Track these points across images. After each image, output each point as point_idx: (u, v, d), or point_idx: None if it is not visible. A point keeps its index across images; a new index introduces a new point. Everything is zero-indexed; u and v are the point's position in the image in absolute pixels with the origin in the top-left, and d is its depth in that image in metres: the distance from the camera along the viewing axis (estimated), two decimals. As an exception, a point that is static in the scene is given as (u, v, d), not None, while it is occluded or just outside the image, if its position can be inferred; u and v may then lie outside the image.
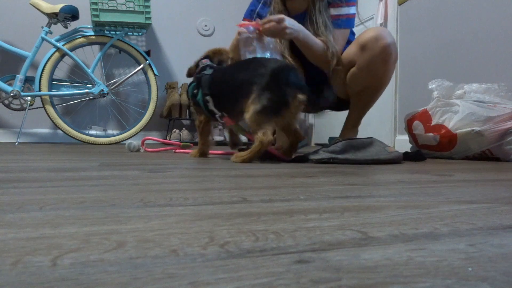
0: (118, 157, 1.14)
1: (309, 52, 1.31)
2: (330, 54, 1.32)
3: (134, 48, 2.51)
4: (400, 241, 0.26)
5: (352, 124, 1.52)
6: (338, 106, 1.60)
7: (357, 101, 1.46)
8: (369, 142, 1.06)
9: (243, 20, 1.46)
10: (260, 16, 1.41)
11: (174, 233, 0.27)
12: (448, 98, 1.40)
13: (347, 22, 1.39)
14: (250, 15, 1.44)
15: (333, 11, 1.35)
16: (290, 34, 1.19)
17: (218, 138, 2.86)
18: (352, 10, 1.37)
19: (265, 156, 1.07)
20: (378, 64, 1.30)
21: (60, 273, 0.19)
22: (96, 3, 2.37)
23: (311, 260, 0.21)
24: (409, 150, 1.49)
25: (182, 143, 1.52)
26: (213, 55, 1.26)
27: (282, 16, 1.17)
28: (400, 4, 2.27)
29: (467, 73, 1.81)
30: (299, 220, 0.31)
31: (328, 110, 1.65)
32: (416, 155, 1.22)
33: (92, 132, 2.69)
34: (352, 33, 1.47)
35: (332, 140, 1.44)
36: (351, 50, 1.36)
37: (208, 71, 1.16)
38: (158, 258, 0.21)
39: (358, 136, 1.26)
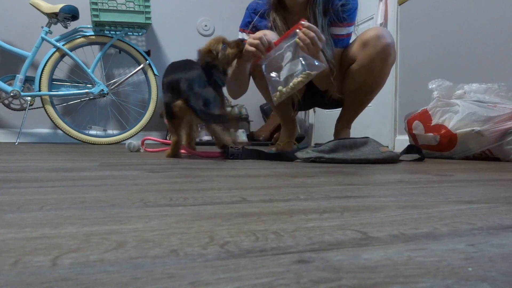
0: (118, 157, 1.14)
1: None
2: (333, 78, 1.33)
3: (134, 48, 2.51)
4: (400, 241, 0.26)
5: (344, 125, 1.53)
6: (329, 104, 1.61)
7: (352, 100, 1.47)
8: (362, 141, 1.05)
9: (239, 31, 1.45)
10: (257, 29, 1.40)
11: (174, 233, 0.27)
12: (448, 98, 1.40)
13: (347, 40, 1.41)
14: (247, 26, 1.43)
15: (335, 30, 1.36)
16: (318, 50, 1.16)
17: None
18: (351, 28, 1.39)
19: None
20: (377, 62, 1.32)
21: (60, 273, 0.19)
22: (96, 3, 2.37)
23: (311, 260, 0.21)
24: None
25: (182, 143, 1.51)
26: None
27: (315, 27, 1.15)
28: (400, 4, 2.27)
29: (467, 73, 1.81)
30: (299, 220, 0.31)
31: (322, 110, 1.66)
32: (419, 149, 1.23)
33: (92, 132, 2.69)
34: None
35: None
36: (353, 47, 1.37)
37: None
38: (158, 258, 0.21)
39: (355, 136, 1.27)
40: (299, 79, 1.14)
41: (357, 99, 1.46)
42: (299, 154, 1.05)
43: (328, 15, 1.33)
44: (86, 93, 2.41)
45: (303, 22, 1.13)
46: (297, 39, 1.13)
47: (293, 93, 1.19)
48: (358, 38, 1.37)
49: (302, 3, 1.32)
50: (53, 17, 2.32)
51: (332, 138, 1.64)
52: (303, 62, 1.13)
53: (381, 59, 1.32)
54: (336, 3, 1.32)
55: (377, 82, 1.40)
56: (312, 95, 1.54)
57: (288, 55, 1.17)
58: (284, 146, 1.61)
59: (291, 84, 1.16)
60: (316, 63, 1.14)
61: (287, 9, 1.36)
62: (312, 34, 1.12)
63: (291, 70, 1.16)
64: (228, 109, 2.99)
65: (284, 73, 1.18)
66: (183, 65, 1.13)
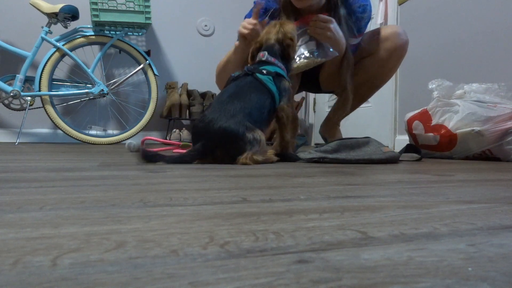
0: (118, 157, 1.14)
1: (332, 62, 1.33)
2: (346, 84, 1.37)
3: (134, 48, 2.51)
4: (400, 241, 0.26)
5: (337, 120, 1.53)
6: (322, 89, 1.61)
7: (353, 94, 1.46)
8: (364, 141, 1.05)
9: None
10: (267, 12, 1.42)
11: (174, 233, 0.27)
12: (448, 98, 1.40)
13: (354, 48, 1.40)
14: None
15: (349, 41, 1.36)
16: (329, 38, 1.21)
17: None
18: (359, 39, 1.39)
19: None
20: (393, 57, 1.38)
21: (60, 273, 0.19)
22: (96, 3, 2.37)
23: (311, 260, 0.21)
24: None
25: (181, 143, 1.52)
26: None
27: (331, 18, 1.21)
28: (400, 4, 2.27)
29: (467, 73, 1.81)
30: (299, 220, 0.31)
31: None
32: (417, 148, 1.23)
33: (92, 132, 2.69)
34: None
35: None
36: (370, 41, 1.40)
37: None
38: (158, 258, 0.21)
39: (355, 136, 1.27)
40: (306, 61, 1.22)
41: (358, 93, 1.45)
42: (302, 155, 1.05)
43: (346, 25, 1.32)
44: (86, 93, 2.41)
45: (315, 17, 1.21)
46: (309, 30, 1.21)
47: (300, 71, 1.27)
48: (375, 33, 1.40)
49: (315, 10, 1.30)
50: (53, 17, 2.32)
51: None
52: (315, 48, 1.22)
53: (398, 55, 1.38)
54: (357, 16, 1.32)
55: (385, 77, 1.44)
56: (306, 78, 1.53)
57: (304, 38, 1.25)
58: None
59: (301, 61, 1.23)
60: (330, 50, 1.22)
61: (299, 12, 1.35)
62: (324, 24, 1.18)
63: (308, 48, 1.24)
64: None
65: (298, 53, 1.24)
66: None
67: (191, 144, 1.51)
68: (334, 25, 1.20)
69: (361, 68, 1.41)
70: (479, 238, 0.27)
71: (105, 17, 2.38)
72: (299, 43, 1.24)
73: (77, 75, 2.66)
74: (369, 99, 1.62)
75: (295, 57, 1.23)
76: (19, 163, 0.87)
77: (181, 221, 0.31)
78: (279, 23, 1.15)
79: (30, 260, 0.21)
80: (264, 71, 1.05)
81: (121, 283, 0.18)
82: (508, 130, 1.23)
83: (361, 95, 1.47)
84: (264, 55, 1.09)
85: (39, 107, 2.36)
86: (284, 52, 1.13)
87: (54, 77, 2.39)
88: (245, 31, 1.22)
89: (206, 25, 3.17)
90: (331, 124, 1.55)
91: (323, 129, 1.58)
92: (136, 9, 2.43)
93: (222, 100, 0.98)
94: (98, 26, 2.44)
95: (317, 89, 1.59)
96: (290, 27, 1.15)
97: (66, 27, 2.41)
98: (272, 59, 1.09)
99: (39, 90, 2.29)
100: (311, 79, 1.52)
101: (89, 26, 2.47)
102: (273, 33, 1.13)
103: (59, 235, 0.26)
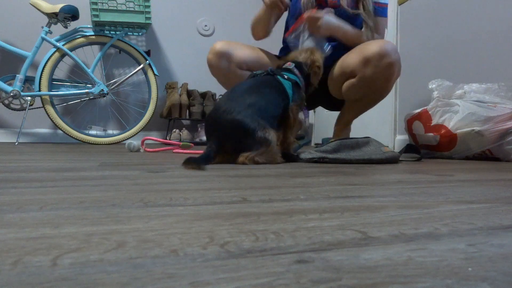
0: (118, 157, 1.14)
1: (346, 42, 1.38)
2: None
3: (134, 48, 2.50)
4: (400, 241, 0.26)
5: (345, 124, 1.51)
6: (332, 105, 1.60)
7: (353, 106, 1.44)
8: (364, 141, 1.05)
9: None
10: None
11: (174, 233, 0.27)
12: (448, 98, 1.40)
13: (384, 10, 1.40)
14: None
15: None
16: (323, 31, 1.28)
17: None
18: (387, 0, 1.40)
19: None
20: (380, 81, 1.25)
21: (60, 273, 0.19)
22: (96, 3, 2.37)
23: (311, 260, 0.21)
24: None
25: (181, 143, 1.52)
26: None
27: (320, 15, 1.26)
28: (400, 4, 2.27)
29: (467, 73, 1.81)
30: (299, 220, 0.31)
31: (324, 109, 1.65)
32: (417, 148, 1.23)
33: (92, 132, 2.69)
34: None
35: (326, 141, 1.43)
36: (353, 60, 1.29)
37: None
38: (158, 258, 0.21)
39: (355, 136, 1.27)
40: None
41: (357, 106, 1.43)
42: (302, 155, 1.05)
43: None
44: (86, 93, 2.41)
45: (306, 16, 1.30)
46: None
47: None
48: (359, 51, 1.27)
49: None
50: (53, 17, 2.32)
51: (325, 138, 1.63)
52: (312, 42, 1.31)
53: (384, 78, 1.24)
54: None
55: (380, 96, 1.36)
56: (318, 94, 1.53)
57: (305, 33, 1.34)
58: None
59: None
60: (324, 47, 1.31)
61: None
62: (313, 22, 1.26)
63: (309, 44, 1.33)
64: None
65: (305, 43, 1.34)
66: None
67: (191, 144, 1.51)
68: (325, 19, 1.26)
69: (350, 89, 1.35)
70: (479, 238, 0.27)
71: (105, 17, 2.38)
72: (305, 37, 1.33)
73: (77, 75, 2.66)
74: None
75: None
76: (19, 163, 0.87)
77: (181, 221, 0.31)
78: (310, 50, 1.22)
79: (30, 260, 0.21)
80: (286, 76, 1.09)
81: (121, 283, 0.18)
82: (508, 130, 1.23)
83: (360, 108, 1.43)
84: (291, 64, 1.15)
85: (39, 107, 2.36)
86: (309, 76, 1.18)
87: (54, 77, 2.39)
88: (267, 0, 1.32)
89: (206, 25, 3.17)
90: (338, 130, 1.52)
91: (334, 135, 1.56)
92: (136, 9, 2.43)
93: (240, 90, 1.00)
94: (98, 26, 2.44)
95: (328, 100, 1.57)
96: (319, 55, 1.21)
97: (66, 27, 2.41)
98: (297, 72, 1.14)
99: (39, 90, 2.29)
100: (320, 87, 1.51)
101: (89, 26, 2.46)
102: (303, 56, 1.20)
103: (59, 235, 0.26)
